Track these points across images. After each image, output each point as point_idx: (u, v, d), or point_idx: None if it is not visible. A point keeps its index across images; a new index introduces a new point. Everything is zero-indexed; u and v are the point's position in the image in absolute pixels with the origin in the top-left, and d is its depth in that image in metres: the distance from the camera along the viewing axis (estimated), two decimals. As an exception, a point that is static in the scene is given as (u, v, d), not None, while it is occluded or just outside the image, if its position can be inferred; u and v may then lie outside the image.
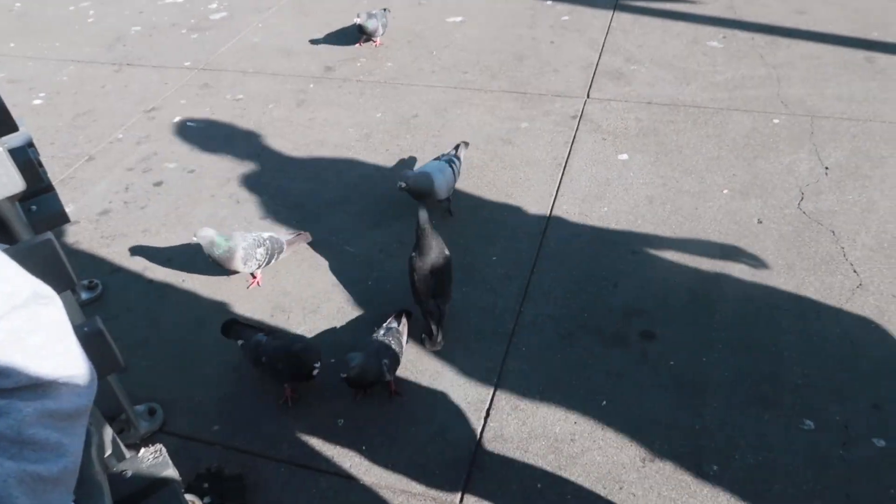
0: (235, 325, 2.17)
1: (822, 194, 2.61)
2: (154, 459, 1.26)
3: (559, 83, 3.44)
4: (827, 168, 2.73)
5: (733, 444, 1.83)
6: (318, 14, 4.39)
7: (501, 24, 4.05)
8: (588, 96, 3.32)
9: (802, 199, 2.60)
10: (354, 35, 4.02)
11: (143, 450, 1.29)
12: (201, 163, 3.12)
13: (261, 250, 2.35)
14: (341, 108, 3.42)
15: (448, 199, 2.64)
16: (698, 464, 1.79)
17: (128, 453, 1.36)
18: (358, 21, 3.76)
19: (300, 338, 2.12)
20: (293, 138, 3.23)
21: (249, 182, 2.97)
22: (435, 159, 2.67)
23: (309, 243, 2.57)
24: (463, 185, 2.82)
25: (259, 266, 2.38)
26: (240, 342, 2.09)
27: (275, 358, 1.97)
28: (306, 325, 2.27)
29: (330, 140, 3.19)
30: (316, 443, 1.92)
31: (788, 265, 2.33)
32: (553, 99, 3.32)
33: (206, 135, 3.31)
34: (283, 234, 2.50)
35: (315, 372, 1.93)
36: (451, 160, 2.64)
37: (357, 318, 2.28)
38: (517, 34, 3.93)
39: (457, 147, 2.77)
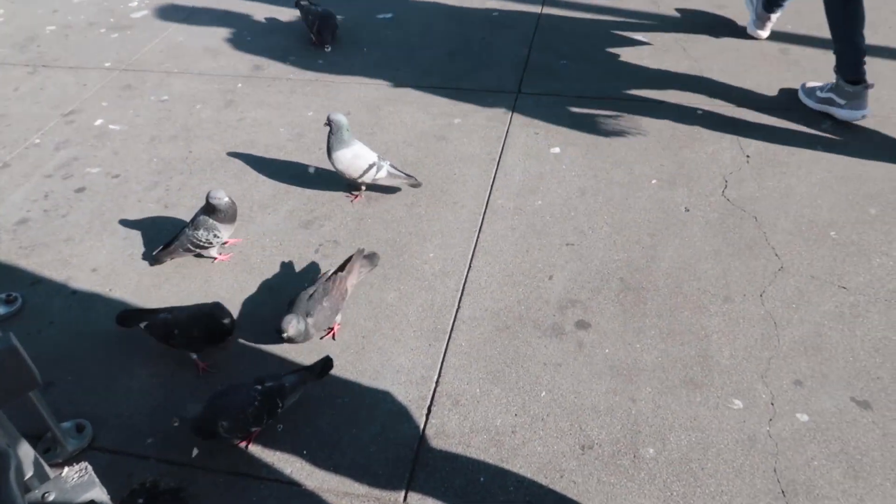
0: (133, 313, 2.17)
1: (744, 182, 2.71)
2: (79, 479, 1.21)
3: (491, 79, 3.46)
4: (748, 156, 2.84)
5: (667, 427, 1.88)
6: (244, 11, 4.29)
7: (432, 21, 4.05)
8: (519, 91, 3.35)
9: (726, 186, 2.69)
10: (283, 32, 3.95)
11: (66, 469, 1.24)
12: (126, 167, 3.01)
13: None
14: (271, 107, 3.36)
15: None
16: (635, 448, 1.84)
17: (52, 473, 1.30)
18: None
19: (207, 303, 2.15)
20: (222, 139, 3.15)
21: (178, 186, 2.88)
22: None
23: (240, 249, 2.51)
24: (399, 182, 2.80)
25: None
26: (143, 325, 2.10)
27: (188, 326, 2.02)
28: (240, 330, 2.21)
29: (260, 140, 3.12)
30: (255, 450, 1.88)
31: (715, 251, 2.41)
32: (485, 95, 3.34)
33: (130, 138, 3.20)
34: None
35: (231, 327, 1.96)
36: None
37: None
38: (448, 31, 3.94)
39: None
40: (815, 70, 3.36)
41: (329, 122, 2.60)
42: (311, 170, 2.74)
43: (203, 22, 4.21)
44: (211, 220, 2.41)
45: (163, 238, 2.59)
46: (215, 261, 2.49)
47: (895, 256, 2.34)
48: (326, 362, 2.00)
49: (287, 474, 1.82)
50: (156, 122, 3.30)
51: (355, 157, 2.63)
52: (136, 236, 2.63)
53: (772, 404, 1.92)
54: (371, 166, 2.62)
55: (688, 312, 2.20)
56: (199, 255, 2.48)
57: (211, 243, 2.43)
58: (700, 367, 2.03)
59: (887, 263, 2.32)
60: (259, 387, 1.86)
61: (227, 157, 3.03)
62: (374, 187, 2.75)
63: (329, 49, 3.74)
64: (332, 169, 2.67)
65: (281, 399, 1.87)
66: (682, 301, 2.24)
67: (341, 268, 2.23)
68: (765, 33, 3.59)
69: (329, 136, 2.61)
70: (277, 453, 1.87)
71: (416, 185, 2.73)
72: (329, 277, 2.17)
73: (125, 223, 2.69)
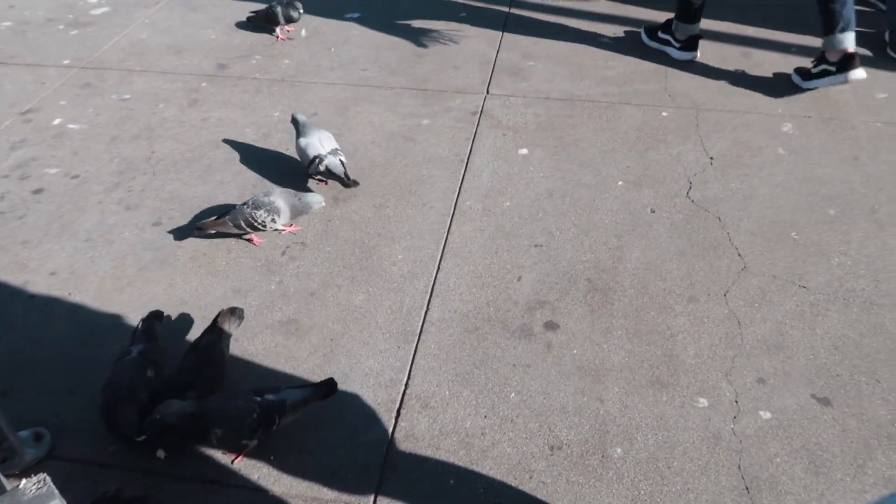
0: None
1: (708, 183, 2.76)
2: (37, 490, 1.17)
3: (459, 80, 3.46)
4: (712, 158, 2.89)
5: (635, 426, 1.90)
6: (208, 9, 4.23)
7: (399, 21, 4.03)
8: (488, 92, 3.36)
9: (691, 188, 2.73)
10: (249, 31, 3.90)
11: (24, 481, 1.20)
12: (86, 168, 2.93)
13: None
14: (237, 107, 3.31)
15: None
16: (603, 447, 1.86)
17: (8, 485, 1.26)
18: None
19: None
20: (186, 139, 3.09)
21: (140, 187, 2.82)
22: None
23: (204, 251, 2.48)
24: (366, 183, 2.79)
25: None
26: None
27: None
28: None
29: (225, 141, 3.08)
30: (222, 456, 1.85)
31: (680, 251, 2.45)
32: (453, 95, 3.34)
33: (90, 138, 3.12)
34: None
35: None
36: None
37: (261, 325, 2.21)
38: (416, 30, 3.93)
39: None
40: (776, 71, 3.43)
41: (293, 121, 2.83)
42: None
43: (166, 20, 4.13)
44: (279, 204, 2.43)
45: (122, 241, 2.53)
46: (283, 232, 2.52)
47: (853, 256, 2.40)
48: (332, 384, 1.91)
49: (254, 480, 1.80)
50: (117, 121, 3.23)
51: (307, 147, 2.74)
52: (97, 238, 2.57)
53: (736, 402, 1.96)
54: (315, 158, 2.71)
55: (654, 312, 2.23)
56: (239, 237, 2.50)
57: (265, 227, 2.44)
58: (666, 367, 2.06)
59: (845, 263, 2.38)
60: (258, 398, 1.79)
61: (192, 158, 2.98)
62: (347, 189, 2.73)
63: (304, 33, 3.77)
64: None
65: (279, 415, 1.80)
66: (648, 301, 2.27)
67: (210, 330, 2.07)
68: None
69: (295, 132, 2.82)
70: (245, 459, 1.84)
71: (348, 185, 2.73)
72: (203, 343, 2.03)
73: (85, 225, 2.63)
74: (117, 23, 4.10)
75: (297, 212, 2.51)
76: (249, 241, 2.52)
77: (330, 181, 2.76)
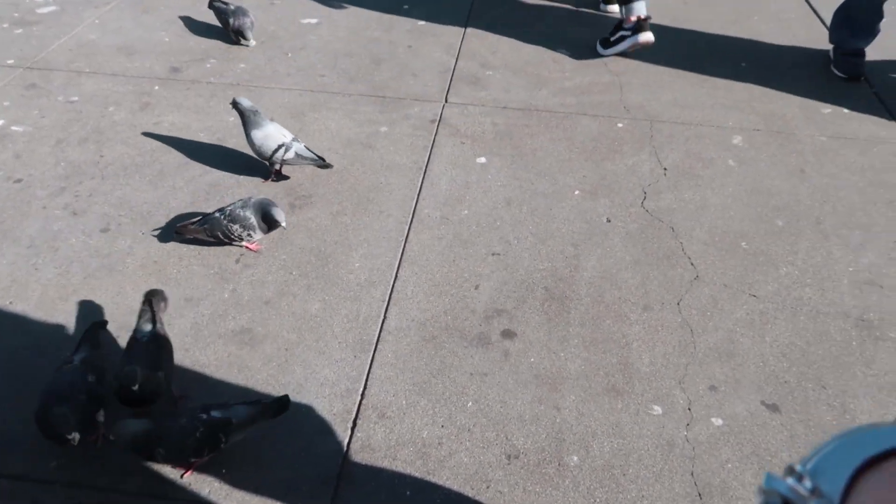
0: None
1: (661, 193, 2.81)
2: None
3: (417, 87, 3.46)
4: (665, 169, 2.95)
5: (591, 434, 1.92)
6: (161, 11, 4.13)
7: (358, 27, 4.01)
8: (446, 101, 3.36)
9: (645, 198, 2.78)
10: (204, 34, 3.83)
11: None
12: (30, 171, 2.83)
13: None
14: (190, 111, 3.24)
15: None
16: (559, 456, 1.86)
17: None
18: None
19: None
20: (137, 144, 3.01)
21: (87, 192, 2.73)
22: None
23: (154, 259, 2.41)
24: (323, 190, 2.76)
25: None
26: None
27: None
28: (156, 344, 2.11)
29: (178, 145, 3.00)
30: (171, 471, 1.80)
31: (635, 260, 2.48)
32: (412, 103, 3.34)
33: (35, 140, 3.01)
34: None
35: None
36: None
37: (213, 334, 2.16)
38: (374, 37, 3.91)
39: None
40: (726, 85, 3.52)
41: (235, 106, 2.76)
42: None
43: (117, 20, 4.03)
44: (253, 220, 2.37)
45: (68, 248, 2.45)
46: (245, 247, 2.46)
47: (800, 266, 2.47)
48: (283, 401, 1.85)
49: (204, 495, 1.74)
50: (64, 123, 3.13)
51: (266, 138, 2.70)
52: (40, 245, 2.47)
53: (689, 409, 1.99)
54: (280, 146, 2.68)
55: (609, 321, 2.25)
56: (218, 243, 2.45)
57: (240, 239, 2.41)
58: (621, 375, 2.08)
59: (793, 273, 2.45)
60: (204, 416, 1.72)
61: (143, 162, 2.90)
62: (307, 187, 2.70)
63: (252, 44, 3.70)
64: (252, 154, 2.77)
65: (225, 435, 1.73)
66: (604, 310, 2.29)
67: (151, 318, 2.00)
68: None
69: (243, 122, 2.74)
70: (195, 473, 1.79)
71: (324, 166, 2.79)
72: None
73: (28, 231, 2.53)
74: (65, 22, 3.98)
75: (266, 230, 2.43)
76: (248, 248, 2.46)
77: (281, 179, 2.76)
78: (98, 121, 3.15)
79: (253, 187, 2.76)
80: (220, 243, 2.45)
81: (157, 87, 3.41)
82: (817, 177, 2.92)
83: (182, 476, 1.77)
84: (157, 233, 2.52)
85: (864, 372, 2.10)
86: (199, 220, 2.44)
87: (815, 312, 2.29)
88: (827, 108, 3.36)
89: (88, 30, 3.91)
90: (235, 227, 2.37)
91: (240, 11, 3.72)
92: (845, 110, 3.35)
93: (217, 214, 2.41)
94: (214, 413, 1.75)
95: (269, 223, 2.39)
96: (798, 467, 0.48)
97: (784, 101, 3.41)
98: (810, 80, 3.58)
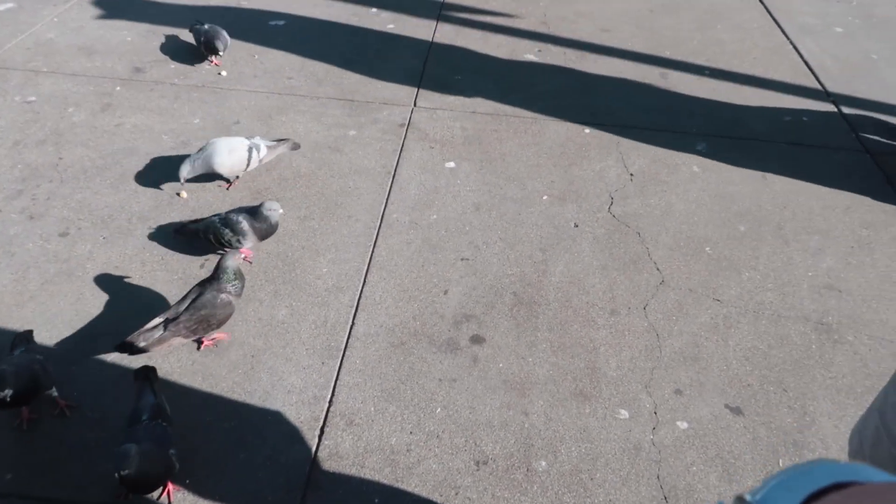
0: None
1: (628, 199, 2.84)
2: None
3: (386, 91, 3.44)
4: (632, 174, 2.98)
5: (558, 439, 1.93)
6: (122, 10, 4.05)
7: (326, 30, 3.98)
8: (415, 105, 3.36)
9: (612, 203, 2.81)
10: (168, 34, 3.77)
11: None
12: (-15, 173, 2.74)
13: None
14: (153, 113, 3.18)
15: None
16: (528, 461, 1.87)
17: None
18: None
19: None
20: (97, 146, 2.94)
21: (45, 195, 2.66)
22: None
23: (116, 264, 2.35)
24: (291, 194, 2.73)
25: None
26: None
27: None
28: (114, 354, 2.06)
29: (141, 148, 2.94)
30: (132, 482, 1.75)
31: (602, 265, 2.51)
32: (380, 107, 3.32)
33: (-10, 141, 2.92)
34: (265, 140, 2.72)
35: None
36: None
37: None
38: (343, 40, 3.89)
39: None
40: (691, 92, 3.58)
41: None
42: (182, 194, 2.67)
43: (77, 19, 3.93)
44: (246, 226, 2.33)
45: (24, 252, 2.38)
46: (243, 257, 2.35)
47: (762, 271, 2.52)
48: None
49: (168, 506, 1.71)
50: (21, 124, 3.04)
51: (231, 152, 2.64)
52: (-4, 250, 2.40)
53: (655, 413, 2.01)
54: (250, 150, 2.66)
55: (577, 326, 2.27)
56: (214, 247, 2.39)
57: (231, 245, 2.34)
58: (589, 379, 2.10)
59: (755, 277, 2.50)
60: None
61: (104, 165, 2.83)
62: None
63: (219, 60, 3.55)
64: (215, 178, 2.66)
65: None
66: (571, 315, 2.31)
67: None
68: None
69: (197, 158, 2.64)
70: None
71: (295, 147, 2.80)
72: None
73: (-17, 235, 2.45)
74: (22, 20, 3.87)
75: (262, 234, 2.39)
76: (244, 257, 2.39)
77: (232, 182, 2.75)
78: (57, 122, 3.07)
79: (219, 193, 2.72)
80: (210, 248, 2.40)
81: (118, 88, 3.34)
82: (778, 182, 2.98)
83: (158, 498, 1.73)
84: (153, 231, 2.50)
85: (823, 374, 2.15)
86: (198, 221, 2.44)
87: (777, 316, 2.34)
88: (787, 117, 3.44)
89: (47, 28, 3.81)
90: (227, 231, 2.33)
91: (213, 31, 3.50)
92: (804, 118, 3.43)
93: (214, 218, 2.39)
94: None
95: (258, 214, 2.37)
96: (747, 497, 0.51)
97: (746, 108, 3.48)
98: (771, 88, 3.66)
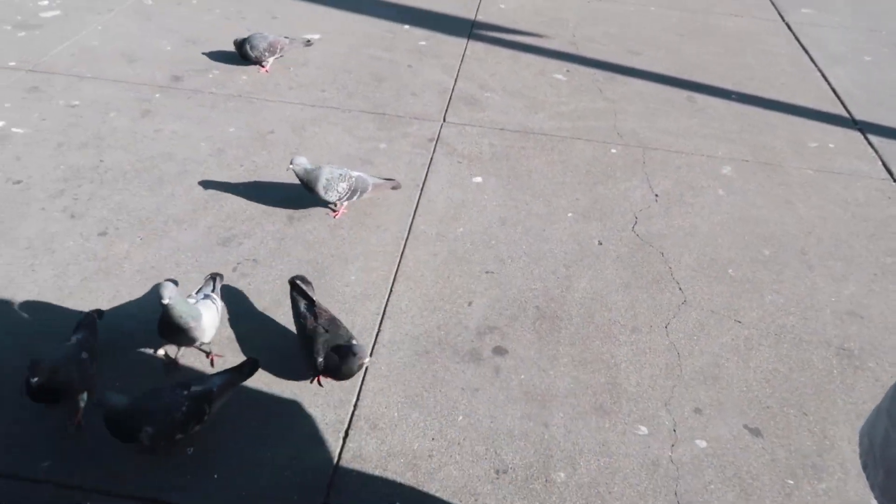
0: None
1: (652, 219, 2.87)
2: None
3: (417, 106, 3.52)
4: (657, 195, 3.01)
5: (578, 452, 1.95)
6: (163, 20, 4.18)
7: (359, 45, 4.08)
8: (444, 120, 3.43)
9: (636, 223, 2.84)
10: (205, 45, 3.88)
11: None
12: (30, 173, 2.85)
13: (343, 184, 2.62)
14: (191, 120, 3.28)
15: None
16: (547, 472, 1.90)
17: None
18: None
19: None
20: (136, 150, 3.04)
21: (86, 195, 2.75)
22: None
23: (152, 265, 2.43)
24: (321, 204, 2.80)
25: (340, 198, 2.65)
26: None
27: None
28: (147, 351, 2.13)
29: (178, 154, 3.04)
30: (164, 473, 1.81)
31: (625, 283, 2.54)
32: (411, 121, 3.40)
33: (35, 143, 3.03)
34: (370, 176, 2.76)
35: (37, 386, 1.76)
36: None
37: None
38: (375, 56, 3.98)
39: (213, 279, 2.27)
40: (717, 115, 3.61)
41: (293, 168, 2.64)
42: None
43: (120, 28, 4.07)
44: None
45: (65, 250, 2.47)
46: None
47: (785, 294, 2.54)
48: (254, 364, 1.98)
49: (198, 499, 1.76)
50: (64, 127, 3.15)
51: (329, 183, 2.62)
52: (38, 247, 2.49)
53: (674, 431, 2.03)
54: (348, 187, 2.66)
55: (599, 341, 2.30)
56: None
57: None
58: (609, 395, 2.12)
59: (777, 301, 2.51)
60: (185, 391, 1.80)
61: (142, 169, 2.93)
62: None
63: (267, 66, 3.69)
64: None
65: (208, 404, 1.82)
66: (593, 330, 2.34)
67: (306, 300, 2.15)
68: None
69: (304, 180, 2.64)
70: (188, 477, 1.80)
71: (396, 187, 2.83)
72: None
73: (26, 232, 2.55)
74: (68, 27, 4.01)
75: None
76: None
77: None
78: (98, 126, 3.18)
79: (253, 197, 2.79)
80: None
81: (157, 95, 3.45)
82: (803, 208, 3.00)
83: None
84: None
85: (844, 399, 2.16)
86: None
87: (798, 340, 2.35)
88: (813, 143, 3.46)
89: (91, 35, 3.95)
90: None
91: (258, 38, 3.62)
92: (831, 145, 3.44)
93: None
94: (195, 387, 1.83)
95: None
96: None
97: (772, 133, 3.50)
98: (798, 114, 3.68)
